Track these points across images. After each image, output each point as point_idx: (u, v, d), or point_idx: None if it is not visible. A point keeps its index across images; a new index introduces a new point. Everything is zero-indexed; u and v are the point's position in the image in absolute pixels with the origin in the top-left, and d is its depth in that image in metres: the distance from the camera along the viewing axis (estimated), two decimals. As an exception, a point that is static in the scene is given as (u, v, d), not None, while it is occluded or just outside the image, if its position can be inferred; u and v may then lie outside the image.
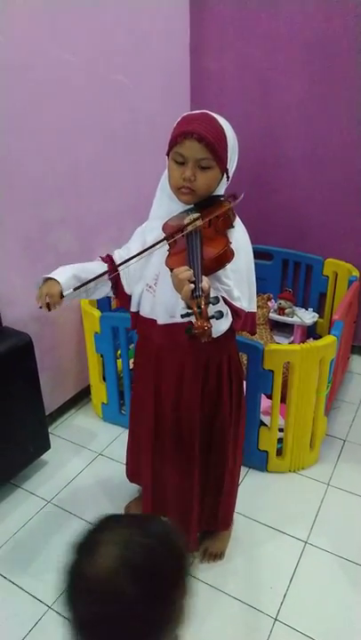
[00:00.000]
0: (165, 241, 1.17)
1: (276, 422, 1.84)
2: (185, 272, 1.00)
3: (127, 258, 1.26)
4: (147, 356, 1.40)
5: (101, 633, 0.69)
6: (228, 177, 1.21)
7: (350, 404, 2.35)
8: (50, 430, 2.09)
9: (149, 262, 1.28)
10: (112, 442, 2.13)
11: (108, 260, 1.37)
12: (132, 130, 2.26)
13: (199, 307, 0.94)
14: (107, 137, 2.14)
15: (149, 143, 2.30)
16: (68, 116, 1.92)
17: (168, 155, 1.19)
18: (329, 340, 1.76)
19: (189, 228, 1.11)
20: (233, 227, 1.19)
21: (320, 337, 2.27)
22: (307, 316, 2.60)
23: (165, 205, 1.27)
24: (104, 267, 1.34)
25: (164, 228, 1.22)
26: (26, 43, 1.68)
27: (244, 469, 1.92)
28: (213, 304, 0.96)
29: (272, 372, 1.74)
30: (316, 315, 2.64)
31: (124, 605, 0.66)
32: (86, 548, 0.72)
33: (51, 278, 1.28)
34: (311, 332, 2.69)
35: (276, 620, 1.43)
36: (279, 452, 1.92)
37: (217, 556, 1.60)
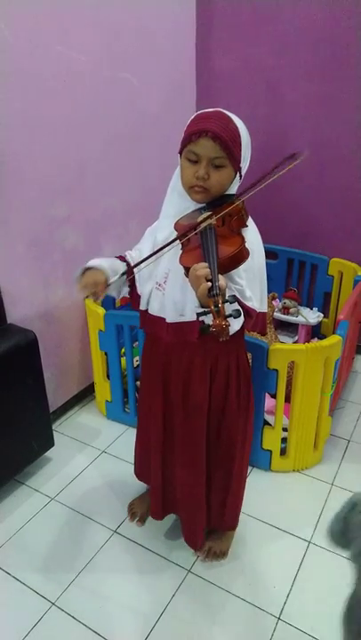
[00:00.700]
0: (179, 240, 1.15)
1: (280, 422, 1.84)
2: (203, 269, 0.99)
3: (141, 259, 1.24)
4: (155, 354, 1.40)
5: None
6: (240, 176, 1.20)
7: (355, 404, 2.34)
8: (54, 428, 2.10)
9: (159, 261, 1.26)
10: (116, 439, 2.13)
11: (123, 259, 1.38)
12: (137, 128, 2.26)
13: (216, 305, 0.94)
14: (113, 135, 2.14)
15: (155, 142, 2.30)
16: (74, 115, 1.92)
17: (180, 153, 1.19)
18: (334, 339, 1.76)
19: (203, 226, 1.10)
20: (247, 226, 1.19)
21: (325, 337, 2.27)
22: (311, 316, 2.60)
23: (176, 204, 1.26)
24: (124, 265, 1.34)
25: (176, 227, 1.21)
26: (33, 42, 1.68)
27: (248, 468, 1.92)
28: (231, 302, 0.96)
29: (276, 371, 1.74)
30: (321, 314, 2.63)
31: None
32: None
33: (90, 268, 1.26)
34: (316, 332, 2.69)
35: (279, 619, 1.43)
36: (283, 452, 1.92)
37: (220, 554, 1.61)
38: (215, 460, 1.43)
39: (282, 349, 1.73)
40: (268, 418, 1.91)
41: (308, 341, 2.54)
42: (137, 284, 1.35)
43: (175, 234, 1.20)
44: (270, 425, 1.89)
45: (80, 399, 2.37)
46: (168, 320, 1.28)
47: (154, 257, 1.22)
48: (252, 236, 1.19)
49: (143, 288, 1.33)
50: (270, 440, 1.89)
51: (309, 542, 1.66)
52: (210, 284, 0.96)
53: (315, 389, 1.79)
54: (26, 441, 1.85)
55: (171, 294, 1.24)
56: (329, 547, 1.63)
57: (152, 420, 1.47)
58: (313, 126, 2.40)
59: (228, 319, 0.93)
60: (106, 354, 2.13)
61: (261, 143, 2.56)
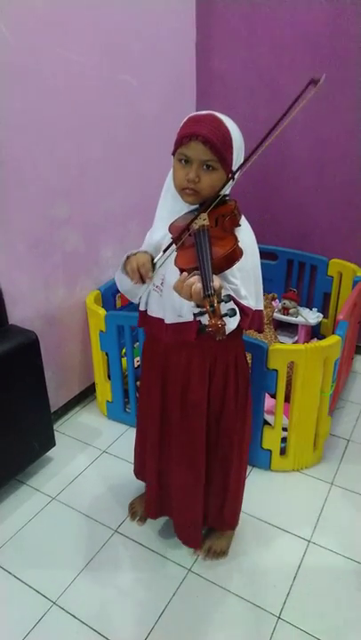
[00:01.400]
0: (175, 244, 1.16)
1: (279, 421, 1.85)
2: (187, 280, 1.01)
3: (159, 257, 1.22)
4: (154, 354, 1.41)
5: None
6: (233, 178, 1.21)
7: (354, 404, 2.35)
8: (55, 427, 2.11)
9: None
10: (117, 439, 2.14)
11: None
12: (137, 130, 2.27)
13: (212, 305, 0.95)
14: (113, 137, 2.15)
15: (155, 143, 2.31)
16: (74, 116, 1.93)
17: (173, 154, 1.20)
18: (333, 339, 1.76)
19: (195, 226, 1.11)
20: (240, 225, 1.20)
21: (324, 337, 2.27)
22: (311, 316, 2.60)
23: (170, 205, 1.27)
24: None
25: (170, 229, 1.22)
26: (32, 44, 1.69)
27: (247, 468, 1.92)
28: (226, 302, 0.97)
29: (276, 371, 1.75)
30: (321, 315, 2.64)
31: None
32: None
33: (133, 254, 1.25)
34: (315, 333, 2.70)
35: (279, 618, 1.44)
36: (283, 452, 1.93)
37: (220, 553, 1.61)
38: (214, 460, 1.44)
39: (281, 349, 1.74)
40: (268, 418, 1.92)
41: (308, 342, 2.55)
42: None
43: (169, 235, 1.21)
44: (270, 425, 1.90)
45: (81, 399, 2.38)
46: (167, 321, 1.29)
47: (158, 266, 1.22)
48: (245, 235, 1.20)
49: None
50: (270, 440, 1.90)
51: (309, 542, 1.67)
52: (200, 285, 0.97)
53: (314, 389, 1.80)
54: (27, 441, 1.86)
55: (168, 296, 1.25)
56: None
57: (150, 419, 1.48)
58: (312, 127, 2.40)
59: (223, 318, 0.94)
60: (107, 354, 2.14)
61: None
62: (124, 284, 1.30)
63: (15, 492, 1.87)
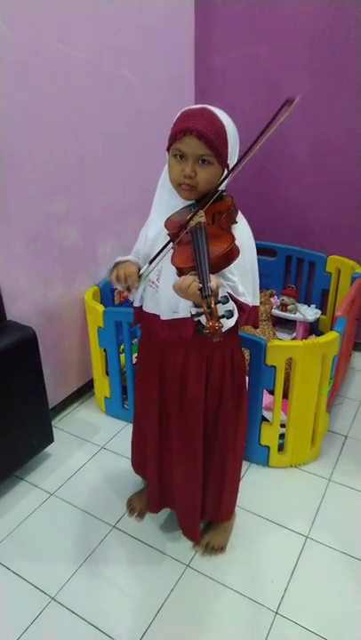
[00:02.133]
0: (172, 242, 1.16)
1: (277, 418, 1.86)
2: (186, 280, 1.00)
3: (154, 255, 1.23)
4: (150, 351, 1.41)
5: None
6: (228, 172, 1.20)
7: (352, 401, 2.36)
8: (53, 423, 2.11)
9: (152, 258, 1.27)
10: (115, 435, 2.15)
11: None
12: (136, 125, 2.27)
13: (209, 306, 0.94)
14: (111, 132, 2.15)
15: (154, 139, 2.29)
16: (73, 111, 1.92)
17: (168, 150, 1.19)
18: (331, 336, 1.77)
19: (192, 224, 1.10)
20: (236, 222, 1.19)
21: (323, 334, 2.28)
22: (309, 313, 2.61)
23: (166, 201, 1.26)
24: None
25: (166, 225, 1.21)
26: (31, 38, 1.68)
27: (245, 464, 1.93)
28: (223, 303, 0.96)
29: (274, 367, 1.75)
30: (319, 311, 2.64)
31: None
32: None
33: (121, 262, 1.27)
34: (314, 329, 2.70)
35: (276, 613, 1.44)
36: (281, 448, 1.94)
37: (218, 549, 1.62)
38: (212, 454, 1.44)
39: (280, 346, 1.74)
40: (266, 414, 1.92)
41: (306, 338, 2.55)
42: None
43: (165, 231, 1.20)
44: (268, 421, 1.90)
45: (79, 395, 2.38)
46: (162, 317, 1.29)
47: (155, 263, 1.22)
48: (242, 231, 1.19)
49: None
50: (268, 436, 1.90)
51: (307, 537, 1.67)
52: (200, 284, 0.97)
53: (312, 386, 1.81)
54: (25, 437, 1.86)
55: (164, 292, 1.24)
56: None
57: (148, 416, 1.48)
58: (311, 124, 2.40)
59: (220, 320, 0.94)
60: (105, 350, 2.14)
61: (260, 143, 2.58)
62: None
63: (14, 488, 1.87)
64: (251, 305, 1.23)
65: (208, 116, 1.14)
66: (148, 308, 1.35)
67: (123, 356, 2.14)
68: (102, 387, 2.24)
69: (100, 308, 2.03)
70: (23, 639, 1.38)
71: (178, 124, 1.16)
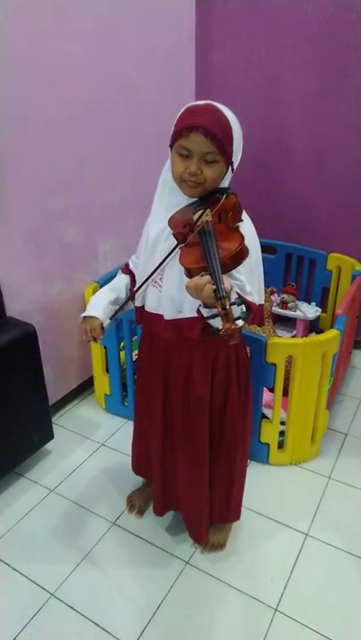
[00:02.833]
0: (178, 244, 1.14)
1: (277, 415, 1.85)
2: (201, 281, 1.00)
3: (145, 279, 1.27)
4: (153, 351, 1.39)
5: None
6: (232, 169, 1.18)
7: (352, 399, 2.36)
8: (53, 420, 2.11)
9: (154, 257, 1.25)
10: (115, 432, 2.15)
11: (127, 271, 1.45)
12: (136, 122, 2.26)
13: (224, 308, 0.93)
14: (111, 129, 2.14)
15: (154, 136, 2.30)
16: (73, 109, 1.91)
17: (171, 147, 1.16)
18: (332, 334, 1.76)
19: (199, 224, 1.08)
20: (242, 220, 1.17)
21: (323, 331, 2.28)
22: (310, 311, 2.60)
23: (167, 198, 1.24)
24: (127, 279, 1.44)
25: (170, 223, 1.19)
26: (32, 35, 1.68)
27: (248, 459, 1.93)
28: (238, 305, 0.95)
29: (274, 365, 1.75)
30: (319, 309, 2.64)
31: None
32: None
33: (87, 317, 1.40)
34: (314, 327, 2.70)
35: (276, 610, 1.44)
36: (281, 445, 1.94)
37: (218, 546, 1.62)
38: (218, 454, 1.43)
39: (280, 344, 1.74)
40: (266, 411, 1.92)
41: (306, 336, 2.55)
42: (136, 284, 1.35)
43: (168, 229, 1.19)
44: (268, 419, 1.90)
45: (79, 392, 2.38)
46: (166, 317, 1.27)
47: (159, 269, 1.22)
48: (247, 230, 1.17)
49: (138, 284, 1.32)
50: (268, 433, 1.90)
51: (307, 535, 1.67)
52: (214, 286, 0.95)
53: (312, 383, 1.81)
54: (25, 433, 1.86)
55: (168, 291, 1.23)
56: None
57: (152, 417, 1.47)
58: (312, 121, 2.40)
59: (236, 321, 0.93)
60: (105, 347, 2.14)
61: (260, 137, 2.58)
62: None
63: (13, 485, 1.87)
64: (257, 304, 1.22)
65: (214, 113, 1.10)
66: (150, 308, 1.32)
67: (123, 354, 2.14)
68: (102, 384, 2.24)
69: (101, 304, 2.03)
70: (23, 635, 1.38)
71: (183, 120, 1.12)
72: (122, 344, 2.12)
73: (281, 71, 2.38)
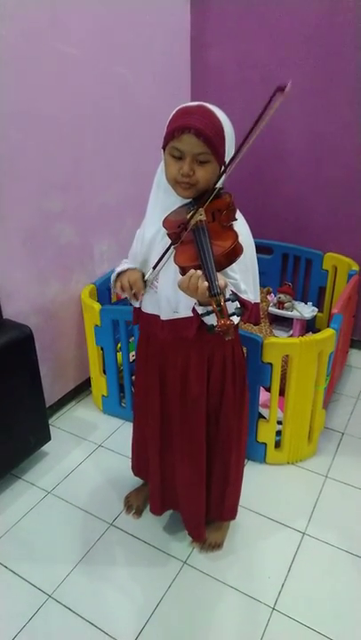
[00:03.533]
0: (173, 243, 1.15)
1: (274, 415, 1.86)
2: (193, 278, 1.00)
3: (158, 259, 1.24)
4: (150, 352, 1.39)
5: None
6: (225, 170, 1.19)
7: (349, 398, 2.36)
8: (50, 422, 2.11)
9: (149, 259, 1.26)
10: (112, 434, 2.15)
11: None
12: (132, 123, 2.26)
13: (218, 304, 0.94)
14: (107, 130, 2.14)
15: (150, 136, 2.29)
16: (68, 109, 1.92)
17: (164, 148, 1.16)
18: (328, 333, 1.77)
19: (192, 223, 1.09)
20: (236, 219, 1.18)
21: (319, 331, 2.28)
22: (306, 310, 2.61)
23: (162, 200, 1.24)
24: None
25: (164, 224, 1.19)
26: (27, 36, 1.68)
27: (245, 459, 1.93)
28: (232, 301, 0.97)
29: (271, 364, 1.75)
30: (316, 309, 2.64)
31: None
32: None
33: (123, 271, 1.30)
34: (310, 327, 2.70)
35: (273, 609, 1.45)
36: (278, 445, 1.94)
37: (216, 546, 1.62)
38: (214, 453, 1.44)
39: (276, 343, 1.74)
40: (263, 411, 1.92)
41: (303, 335, 2.55)
42: None
43: (163, 230, 1.19)
44: (265, 418, 1.91)
45: (76, 394, 2.38)
46: (162, 317, 1.28)
47: (159, 267, 1.22)
48: (241, 228, 1.18)
49: None
50: (265, 433, 1.90)
51: (304, 534, 1.68)
52: (207, 283, 0.96)
53: (309, 382, 1.81)
54: (22, 435, 1.86)
55: (164, 291, 1.24)
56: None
57: (150, 417, 1.47)
58: (308, 121, 2.40)
59: (231, 317, 0.94)
60: (102, 349, 2.14)
61: (256, 138, 2.58)
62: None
63: (11, 487, 1.87)
64: (253, 302, 1.23)
65: (206, 114, 1.11)
66: (147, 309, 1.33)
67: (120, 355, 2.14)
68: (99, 385, 2.24)
69: (97, 306, 2.03)
70: (20, 637, 1.38)
71: (175, 121, 1.13)
72: (119, 345, 2.12)
73: (277, 71, 2.38)
